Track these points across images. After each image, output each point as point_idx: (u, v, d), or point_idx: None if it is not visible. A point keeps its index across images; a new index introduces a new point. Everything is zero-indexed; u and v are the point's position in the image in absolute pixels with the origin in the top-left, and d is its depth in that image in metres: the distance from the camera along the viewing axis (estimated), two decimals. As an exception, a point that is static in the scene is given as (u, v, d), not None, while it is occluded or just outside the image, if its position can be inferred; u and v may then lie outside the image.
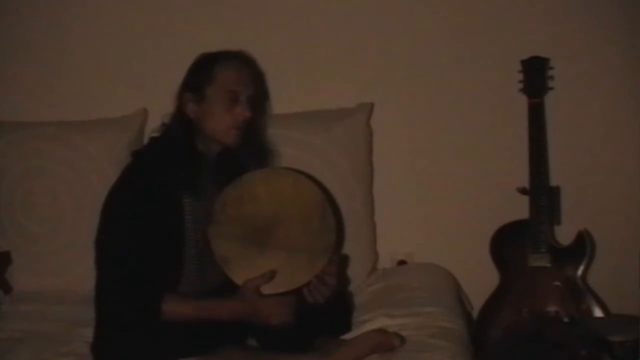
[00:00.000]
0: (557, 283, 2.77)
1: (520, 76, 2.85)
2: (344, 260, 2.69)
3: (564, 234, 2.85)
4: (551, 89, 2.86)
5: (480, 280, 2.86)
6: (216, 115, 2.36)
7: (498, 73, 2.91)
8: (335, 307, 2.38)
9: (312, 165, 2.69)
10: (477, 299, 2.87)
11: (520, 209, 2.82)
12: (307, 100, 2.91)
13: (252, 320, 2.27)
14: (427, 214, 3.00)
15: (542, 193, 2.79)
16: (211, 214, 2.29)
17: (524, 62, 2.84)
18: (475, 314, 2.88)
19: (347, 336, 2.37)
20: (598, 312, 2.74)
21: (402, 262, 2.97)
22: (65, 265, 2.81)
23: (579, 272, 2.77)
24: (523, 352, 2.61)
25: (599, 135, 2.92)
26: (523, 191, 2.82)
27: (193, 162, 2.36)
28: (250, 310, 2.25)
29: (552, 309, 2.76)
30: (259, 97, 2.53)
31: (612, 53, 2.86)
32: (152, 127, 2.59)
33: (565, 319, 2.74)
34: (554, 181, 2.86)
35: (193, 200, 2.36)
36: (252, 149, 2.45)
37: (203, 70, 2.38)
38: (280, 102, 2.90)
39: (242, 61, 2.44)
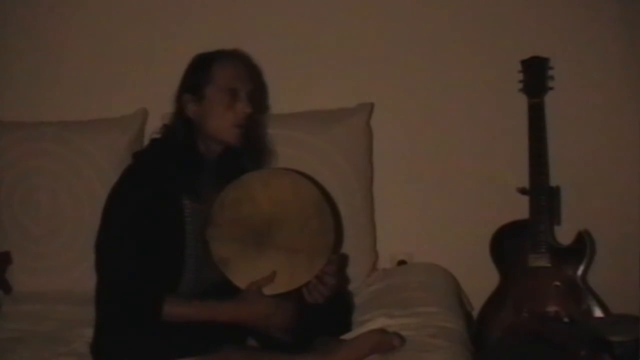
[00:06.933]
0: (557, 283, 2.77)
1: (520, 76, 2.85)
2: (343, 260, 2.69)
3: (564, 234, 2.85)
4: (551, 89, 2.86)
5: (480, 280, 2.86)
6: (217, 114, 2.36)
7: (498, 73, 2.91)
8: (335, 307, 2.38)
9: (312, 165, 2.69)
10: (477, 299, 2.87)
11: (520, 209, 2.82)
12: (307, 100, 2.91)
13: (253, 323, 2.27)
14: (427, 214, 3.00)
15: (542, 193, 2.79)
16: (209, 216, 2.29)
17: (524, 62, 2.84)
18: (475, 314, 2.88)
19: (347, 336, 2.37)
20: (598, 312, 2.74)
21: (402, 262, 2.97)
22: (65, 265, 2.81)
23: (579, 272, 2.77)
24: (523, 352, 2.61)
25: (599, 135, 2.92)
26: (523, 191, 2.82)
27: (193, 164, 2.36)
28: (252, 312, 2.26)
29: (552, 309, 2.76)
30: (258, 92, 2.53)
31: (612, 53, 2.86)
32: (152, 127, 2.59)
33: (565, 319, 2.74)
34: (554, 181, 2.86)
35: (193, 202, 2.36)
36: (252, 149, 2.45)
37: (201, 71, 2.38)
38: (280, 102, 2.90)
39: (238, 58, 2.44)
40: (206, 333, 2.21)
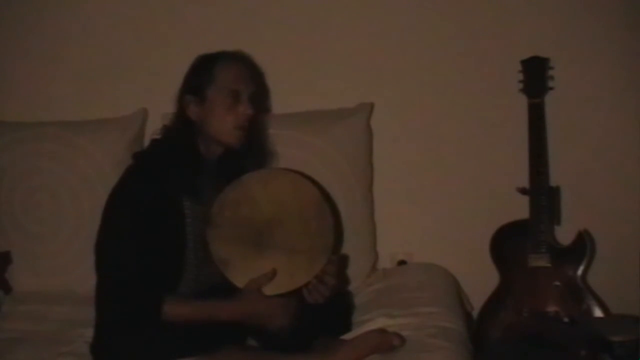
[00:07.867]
0: (557, 283, 2.77)
1: (520, 76, 2.85)
2: (343, 260, 2.70)
3: (564, 234, 2.85)
4: (551, 89, 2.86)
5: (480, 280, 2.86)
6: (219, 116, 2.35)
7: (498, 73, 2.91)
8: (335, 307, 2.38)
9: (312, 165, 2.69)
10: (477, 299, 2.87)
11: (520, 209, 2.81)
12: (307, 100, 2.91)
13: (253, 323, 2.27)
14: (427, 214, 2.99)
15: (542, 193, 2.79)
16: (209, 217, 2.29)
17: (524, 62, 2.84)
18: (475, 314, 2.88)
19: (347, 336, 2.37)
20: (598, 312, 2.74)
21: (402, 262, 2.97)
22: (65, 265, 2.81)
23: (579, 272, 2.77)
24: (523, 352, 2.61)
25: (599, 135, 2.92)
26: (523, 191, 2.82)
27: (194, 165, 2.36)
28: (252, 312, 2.26)
29: (552, 309, 2.76)
30: (260, 93, 2.53)
31: (612, 53, 2.86)
32: (152, 127, 2.59)
33: (565, 319, 2.73)
34: (554, 181, 2.86)
35: (193, 203, 2.36)
36: (253, 150, 2.45)
37: (202, 72, 2.37)
38: (281, 102, 2.90)
39: (240, 60, 2.44)
40: (206, 333, 2.21)
